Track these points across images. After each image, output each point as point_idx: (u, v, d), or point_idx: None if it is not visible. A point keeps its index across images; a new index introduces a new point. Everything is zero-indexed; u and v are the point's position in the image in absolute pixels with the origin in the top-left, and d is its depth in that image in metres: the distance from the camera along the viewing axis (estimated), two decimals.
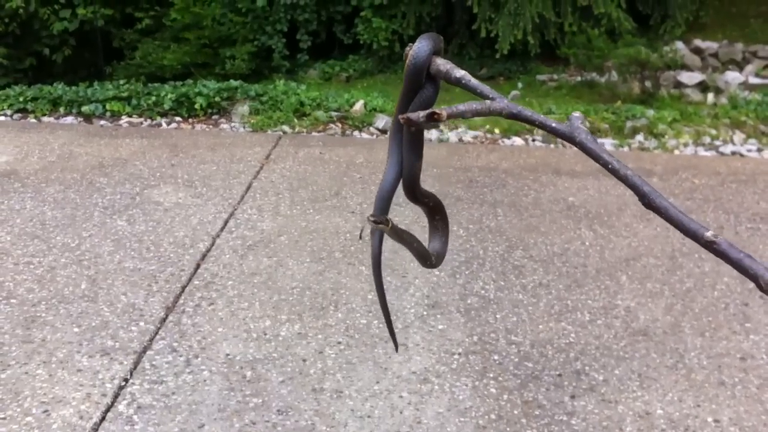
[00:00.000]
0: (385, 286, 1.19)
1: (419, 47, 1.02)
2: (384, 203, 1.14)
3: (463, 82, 0.99)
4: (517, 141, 6.79)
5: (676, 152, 6.48)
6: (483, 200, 5.45)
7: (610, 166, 0.88)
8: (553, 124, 0.91)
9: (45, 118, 7.51)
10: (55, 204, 5.36)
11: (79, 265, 4.47)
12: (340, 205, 5.34)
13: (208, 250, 4.68)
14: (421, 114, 0.91)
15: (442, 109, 0.90)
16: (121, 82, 7.97)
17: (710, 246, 0.78)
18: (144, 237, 4.86)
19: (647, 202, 0.85)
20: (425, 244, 1.24)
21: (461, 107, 0.92)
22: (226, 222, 5.07)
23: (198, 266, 4.47)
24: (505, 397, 3.25)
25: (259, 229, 4.96)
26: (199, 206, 5.34)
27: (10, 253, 4.56)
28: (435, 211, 1.27)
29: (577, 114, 0.92)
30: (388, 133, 1.24)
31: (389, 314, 1.27)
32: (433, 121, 0.90)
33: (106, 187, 5.66)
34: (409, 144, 1.10)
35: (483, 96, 0.96)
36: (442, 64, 1.02)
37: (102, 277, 4.32)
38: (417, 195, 1.17)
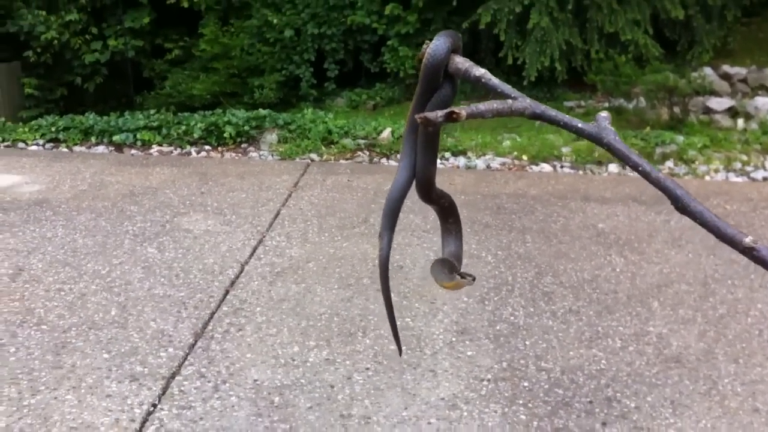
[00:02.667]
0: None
1: (437, 45, 0.98)
2: (395, 204, 1.11)
3: (483, 80, 0.95)
4: (545, 167, 6.76)
5: (707, 178, 6.43)
6: (511, 227, 5.42)
7: (640, 168, 0.85)
8: (579, 125, 0.87)
9: (77, 148, 7.62)
10: (86, 232, 5.41)
11: (110, 292, 4.49)
12: (368, 232, 5.34)
13: (237, 277, 4.69)
14: (439, 113, 0.87)
15: (461, 109, 0.87)
16: (152, 111, 8.08)
17: (749, 252, 0.76)
18: (174, 264, 4.89)
19: (681, 205, 0.82)
20: (440, 249, 1.22)
21: (481, 107, 0.89)
22: (254, 249, 5.09)
23: (227, 293, 4.48)
24: (535, 424, 3.21)
25: (288, 256, 4.97)
26: (228, 233, 5.36)
27: (41, 280, 4.60)
28: (448, 213, 1.22)
29: (604, 114, 0.88)
30: (403, 134, 1.17)
31: (394, 318, 1.24)
32: (452, 120, 0.87)
33: (136, 215, 5.71)
34: (424, 145, 1.07)
35: (504, 95, 0.92)
36: (460, 62, 0.98)
37: (132, 303, 4.34)
38: (432, 196, 1.14)
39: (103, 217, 5.68)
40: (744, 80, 8.95)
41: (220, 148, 7.45)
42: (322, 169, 6.80)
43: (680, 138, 6.94)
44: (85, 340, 3.91)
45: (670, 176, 6.36)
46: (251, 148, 7.45)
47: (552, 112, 0.88)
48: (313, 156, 7.16)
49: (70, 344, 3.87)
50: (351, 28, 9.99)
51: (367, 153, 7.21)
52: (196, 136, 7.44)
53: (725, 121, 7.89)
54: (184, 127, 7.52)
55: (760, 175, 6.41)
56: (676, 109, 7.94)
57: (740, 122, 7.74)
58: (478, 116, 0.88)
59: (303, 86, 9.95)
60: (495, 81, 0.94)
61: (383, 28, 9.89)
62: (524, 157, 6.90)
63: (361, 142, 7.29)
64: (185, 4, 10.56)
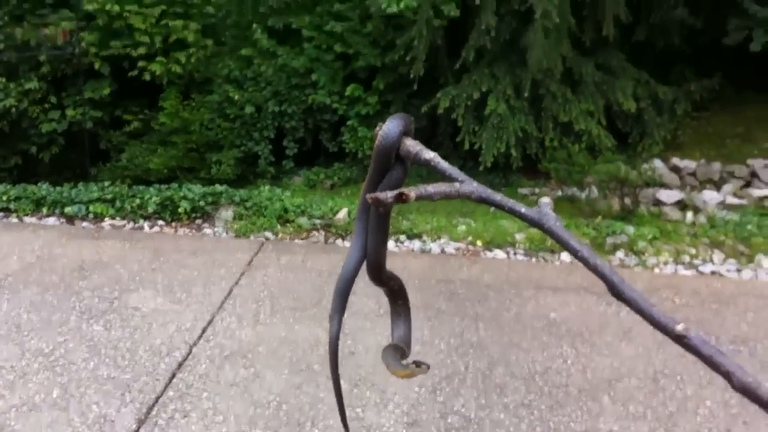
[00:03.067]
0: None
1: (389, 127, 1.00)
2: (346, 284, 1.10)
3: (432, 163, 0.97)
4: (499, 253, 6.81)
5: (657, 270, 6.52)
6: (465, 314, 5.42)
7: (579, 254, 0.86)
8: (522, 210, 0.89)
9: (27, 218, 7.49)
10: (31, 307, 5.29)
11: (52, 372, 4.38)
12: (321, 315, 5.29)
13: (185, 359, 4.60)
14: (389, 194, 0.88)
15: (410, 190, 0.88)
16: (106, 183, 7.99)
17: (681, 340, 0.76)
18: (120, 344, 4.78)
19: (616, 292, 0.83)
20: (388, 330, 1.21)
21: (429, 189, 0.90)
22: (204, 330, 5.01)
23: (173, 375, 4.38)
24: None
25: (238, 338, 4.90)
26: (177, 313, 5.28)
27: None
28: (398, 295, 1.22)
29: (545, 200, 0.90)
30: (354, 215, 1.20)
31: (343, 405, 1.20)
32: (401, 201, 0.88)
33: (84, 291, 5.60)
34: (375, 226, 1.07)
35: (452, 179, 0.94)
36: (411, 145, 1.00)
37: (75, 384, 4.23)
38: (382, 277, 1.14)
39: (50, 292, 5.55)
40: (693, 174, 9.20)
41: (174, 224, 7.38)
42: (277, 248, 6.76)
43: (631, 229, 7.06)
44: (24, 424, 3.78)
45: (621, 267, 6.45)
46: (206, 225, 7.40)
47: (497, 197, 0.90)
48: (269, 234, 7.12)
49: (8, 426, 3.73)
50: (311, 107, 10.09)
51: (323, 233, 7.20)
52: (150, 210, 7.36)
53: (674, 214, 8.06)
54: (138, 201, 7.44)
55: (708, 268, 6.52)
56: (627, 200, 8.10)
57: (689, 215, 7.91)
58: (426, 198, 0.90)
59: (261, 163, 9.97)
60: (444, 164, 0.96)
61: (343, 108, 10.02)
62: (479, 243, 6.95)
63: (317, 221, 7.29)
64: (147, 77, 10.59)
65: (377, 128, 1.02)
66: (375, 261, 1.10)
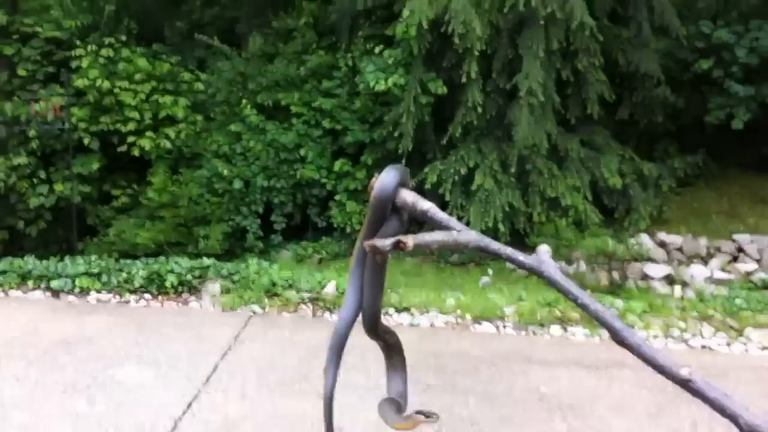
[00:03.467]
0: None
1: (385, 178, 0.98)
2: (341, 339, 1.08)
3: (429, 214, 0.96)
4: (489, 327, 6.78)
5: (647, 343, 6.49)
6: (455, 388, 5.35)
7: (579, 301, 0.86)
8: (521, 258, 0.89)
9: (12, 292, 7.41)
10: (14, 381, 5.19)
11: None
12: (308, 389, 5.21)
13: None
14: (387, 242, 0.87)
15: (408, 238, 0.87)
16: (93, 257, 7.93)
17: (686, 384, 0.76)
18: (103, 419, 4.68)
19: (619, 338, 0.82)
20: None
21: (427, 237, 0.90)
22: (189, 405, 4.92)
23: None
24: None
25: (223, 413, 4.80)
26: (162, 387, 5.19)
27: None
28: (393, 349, 1.20)
29: (544, 248, 0.90)
30: (350, 267, 1.14)
31: None
32: (399, 249, 0.87)
33: (68, 365, 5.51)
34: (371, 277, 1.05)
35: (449, 229, 0.93)
36: (408, 195, 0.99)
37: None
38: (378, 330, 1.12)
39: (34, 366, 5.46)
40: (680, 249, 9.24)
41: (160, 297, 7.32)
42: (264, 322, 6.70)
43: (620, 303, 7.06)
44: None
45: (611, 340, 6.43)
46: (192, 298, 7.34)
47: (494, 245, 0.90)
48: (256, 308, 7.07)
49: None
50: (300, 182, 10.14)
51: (311, 306, 7.15)
52: (136, 284, 7.31)
53: (663, 288, 8.07)
54: (125, 275, 7.39)
55: (698, 342, 6.50)
56: (615, 275, 8.11)
57: (677, 289, 7.93)
58: (424, 247, 0.90)
59: (249, 238, 9.96)
60: (441, 215, 0.96)
61: (332, 183, 10.07)
62: (468, 316, 6.92)
63: (305, 295, 7.24)
64: (136, 152, 10.65)
65: (373, 179, 1.01)
66: (371, 313, 1.09)
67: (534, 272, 0.89)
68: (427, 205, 0.98)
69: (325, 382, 1.08)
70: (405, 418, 1.09)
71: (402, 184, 1.01)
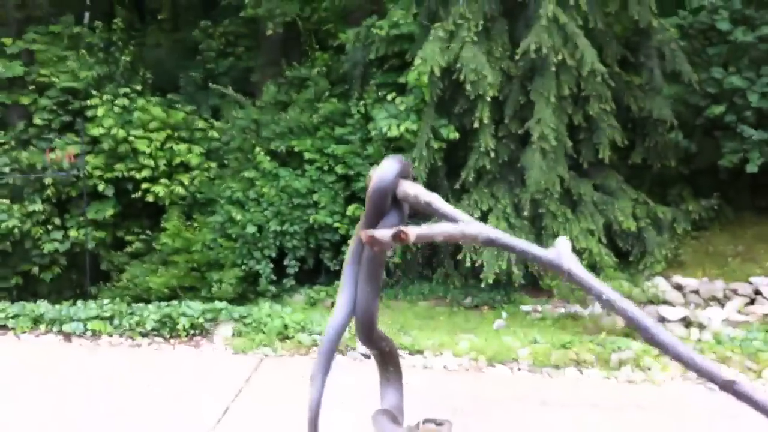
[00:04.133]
0: None
1: (385, 168, 0.90)
2: (331, 344, 0.98)
3: (434, 206, 0.88)
4: (502, 369, 6.69)
5: (665, 386, 6.39)
6: (468, 430, 5.26)
7: (604, 297, 0.78)
8: (537, 252, 0.81)
9: (24, 335, 7.39)
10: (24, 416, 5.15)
11: None
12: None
13: None
14: (387, 232, 0.79)
15: (410, 229, 0.79)
16: (105, 301, 7.92)
17: (731, 387, 0.69)
18: None
19: (649, 336, 0.74)
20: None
21: (432, 229, 0.82)
22: None
23: None
24: None
25: None
26: (174, 430, 5.13)
27: None
28: (389, 360, 1.08)
29: (564, 239, 0.81)
30: (343, 265, 0.99)
31: None
32: (400, 241, 0.79)
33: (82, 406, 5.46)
34: (367, 274, 0.95)
35: (456, 221, 0.85)
36: (409, 187, 0.90)
37: None
38: (373, 336, 1.01)
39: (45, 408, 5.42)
40: (696, 291, 9.15)
41: (172, 341, 7.28)
42: (276, 365, 6.65)
43: (636, 344, 6.95)
44: None
45: (628, 383, 6.32)
46: (204, 341, 7.30)
47: (506, 238, 0.81)
48: (268, 351, 7.01)
49: None
50: (313, 227, 10.16)
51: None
52: (148, 327, 7.28)
53: (679, 330, 7.97)
54: (136, 318, 7.36)
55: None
56: None
57: (694, 332, 7.83)
58: (427, 239, 0.82)
59: (262, 282, 9.95)
60: (446, 207, 0.87)
61: (345, 227, 10.08)
62: (481, 358, 6.83)
63: (318, 338, 7.18)
64: (150, 199, 10.72)
65: (372, 170, 0.93)
66: (366, 316, 0.98)
67: (552, 267, 0.81)
68: (431, 197, 0.90)
69: (311, 389, 0.97)
70: (410, 429, 1.01)
71: (403, 175, 0.94)
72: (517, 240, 0.80)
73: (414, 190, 0.90)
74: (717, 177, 11.03)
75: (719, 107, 10.44)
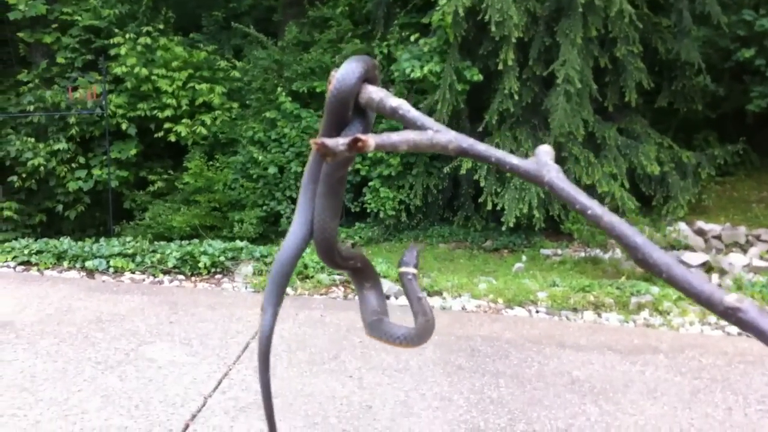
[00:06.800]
0: None
1: (346, 71, 0.80)
2: (284, 269, 0.87)
3: (401, 112, 0.78)
4: (521, 312, 6.71)
5: (682, 330, 6.38)
6: (485, 370, 5.30)
7: (589, 212, 0.69)
8: (515, 161, 0.72)
9: (48, 272, 7.51)
10: (47, 357, 5.24)
11: (65, 420, 4.30)
12: (338, 369, 5.20)
13: (199, 411, 4.51)
14: (341, 141, 0.68)
15: (369, 136, 0.70)
16: (128, 239, 8.01)
17: (734, 315, 0.61)
18: (134, 394, 4.71)
19: (641, 256, 0.65)
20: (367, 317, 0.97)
21: (394, 137, 0.72)
22: (219, 382, 4.93)
23: (186, 426, 4.29)
24: None
25: (253, 391, 4.81)
26: (193, 365, 5.21)
27: None
28: (363, 276, 0.98)
29: (545, 148, 0.73)
30: (301, 185, 0.84)
31: (272, 407, 1.00)
32: (357, 150, 0.68)
33: (101, 342, 5.55)
34: (324, 189, 0.84)
35: (425, 129, 0.77)
36: (374, 91, 0.80)
37: None
38: (335, 258, 0.91)
39: (67, 343, 5.51)
40: (718, 237, 9.09)
41: (193, 278, 7.37)
42: (296, 303, 6.71)
43: (655, 289, 6.95)
44: None
45: (646, 326, 6.32)
46: (225, 279, 7.38)
47: (480, 147, 0.73)
48: (288, 290, 7.08)
49: None
50: None
51: (342, 289, 7.15)
52: (170, 265, 7.36)
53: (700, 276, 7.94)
54: (158, 256, 7.45)
55: (735, 329, 6.37)
56: None
57: (714, 277, 7.79)
58: (390, 148, 0.72)
59: (283, 222, 10.00)
60: (414, 113, 0.77)
61: (366, 169, 10.07)
62: (500, 301, 6.86)
63: (337, 278, 7.24)
64: (172, 138, 10.74)
65: (333, 72, 0.84)
66: (323, 237, 0.88)
67: (531, 179, 0.72)
68: (397, 102, 0.80)
69: (262, 320, 0.88)
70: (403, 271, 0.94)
71: (368, 78, 0.85)
72: (494, 149, 0.72)
73: (378, 94, 0.80)
74: (744, 122, 10.87)
75: (749, 50, 10.23)
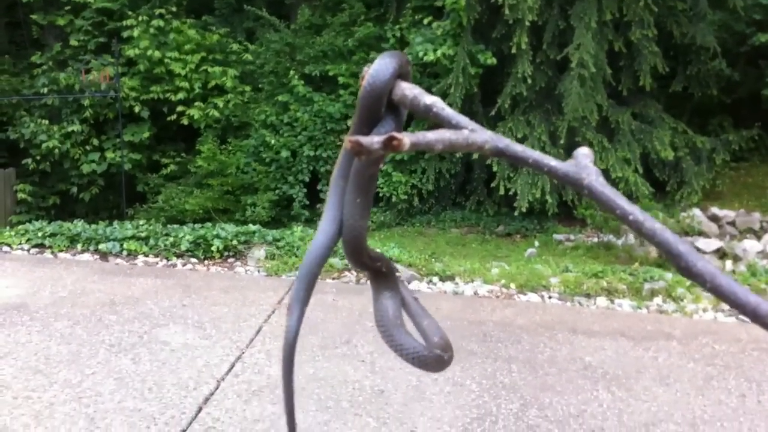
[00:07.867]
0: None
1: (379, 67, 0.79)
2: (313, 268, 0.86)
3: (435, 110, 0.78)
4: (533, 297, 6.70)
5: (696, 317, 6.36)
6: (497, 355, 5.30)
7: (631, 218, 0.67)
8: (553, 163, 0.70)
9: (61, 254, 7.54)
10: (61, 339, 5.27)
11: (79, 403, 4.33)
12: (350, 353, 5.21)
13: (212, 394, 4.53)
14: (375, 139, 0.68)
15: (405, 135, 0.69)
16: (141, 222, 8.04)
17: None
18: (147, 377, 4.73)
19: (684, 265, 0.63)
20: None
21: (430, 135, 0.71)
22: (232, 365, 4.95)
23: (200, 410, 4.31)
24: None
25: (266, 374, 4.83)
26: (206, 348, 5.23)
27: (10, 387, 4.44)
28: (385, 283, 0.94)
29: (584, 150, 0.71)
30: (330, 181, 0.82)
31: (293, 408, 0.96)
32: (392, 149, 0.68)
33: (114, 325, 5.58)
34: (355, 188, 0.83)
35: (460, 128, 0.76)
36: (407, 88, 0.80)
37: (101, 416, 4.17)
38: (363, 259, 0.90)
39: (80, 325, 5.54)
40: (732, 223, 9.04)
41: (206, 262, 7.39)
42: None
43: (668, 275, 6.92)
44: None
45: (659, 313, 6.30)
46: (238, 263, 7.40)
47: (518, 147, 0.72)
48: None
49: None
50: None
51: (354, 273, 7.15)
52: (183, 248, 7.39)
53: (714, 262, 7.89)
54: (171, 239, 7.47)
55: None
56: None
57: (728, 264, 7.75)
58: (425, 147, 0.71)
59: (295, 206, 10.02)
60: (449, 111, 0.77)
61: None
62: (512, 286, 6.85)
63: None
64: (185, 121, 10.74)
65: (365, 68, 0.84)
66: (352, 237, 0.86)
67: (569, 182, 0.71)
68: (431, 99, 0.79)
69: (288, 320, 0.87)
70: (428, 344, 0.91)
71: (401, 74, 0.84)
72: (531, 151, 0.70)
73: (412, 91, 0.79)
74: (759, 107, 10.78)
75: (765, 35, 10.14)
